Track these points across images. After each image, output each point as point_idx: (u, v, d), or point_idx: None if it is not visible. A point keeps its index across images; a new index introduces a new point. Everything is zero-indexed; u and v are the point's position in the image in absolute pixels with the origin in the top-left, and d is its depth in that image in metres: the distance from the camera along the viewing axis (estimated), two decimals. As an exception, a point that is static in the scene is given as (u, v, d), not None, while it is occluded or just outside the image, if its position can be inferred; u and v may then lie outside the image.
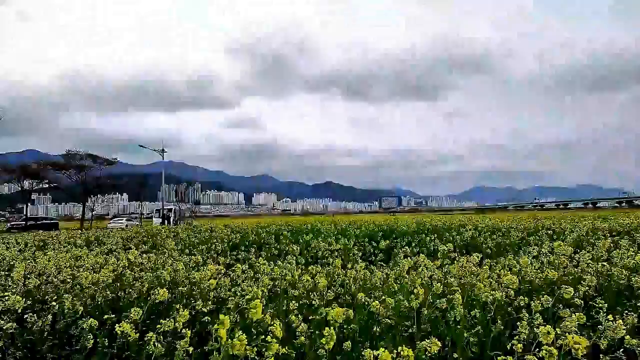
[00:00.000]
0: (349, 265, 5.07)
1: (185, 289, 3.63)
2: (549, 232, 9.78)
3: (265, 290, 3.41)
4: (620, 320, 2.24)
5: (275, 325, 1.79)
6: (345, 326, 2.78)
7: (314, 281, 3.76)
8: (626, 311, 2.84)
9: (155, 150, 56.39)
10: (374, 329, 2.68)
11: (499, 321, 2.80)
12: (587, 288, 3.39)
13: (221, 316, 2.02)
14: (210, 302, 3.22)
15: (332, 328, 1.95)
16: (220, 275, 4.33)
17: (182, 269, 4.38)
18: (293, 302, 3.19)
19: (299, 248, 6.55)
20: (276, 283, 4.12)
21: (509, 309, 3.10)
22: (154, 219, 50.85)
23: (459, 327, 2.65)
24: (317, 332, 2.26)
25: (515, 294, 3.30)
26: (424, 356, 1.97)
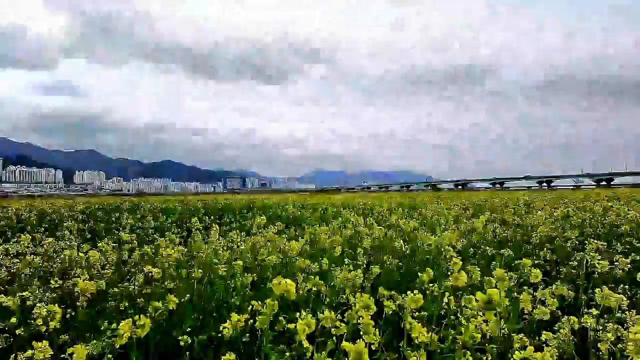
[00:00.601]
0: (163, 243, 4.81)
1: None
2: (359, 209, 11.04)
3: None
4: (360, 271, 2.51)
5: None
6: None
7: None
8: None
9: None
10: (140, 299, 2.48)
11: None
12: (365, 248, 3.87)
13: None
14: None
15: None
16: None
17: None
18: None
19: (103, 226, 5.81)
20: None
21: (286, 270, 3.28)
22: None
23: (235, 292, 2.64)
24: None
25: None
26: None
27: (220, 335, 2.03)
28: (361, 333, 1.97)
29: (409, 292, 1.65)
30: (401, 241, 4.04)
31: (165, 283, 2.72)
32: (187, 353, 2.30)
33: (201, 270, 2.81)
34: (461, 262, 2.24)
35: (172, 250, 2.71)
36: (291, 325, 1.93)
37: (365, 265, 3.60)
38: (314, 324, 1.90)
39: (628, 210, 5.79)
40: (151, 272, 2.72)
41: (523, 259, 2.41)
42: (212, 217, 9.23)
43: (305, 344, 1.82)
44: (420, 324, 1.71)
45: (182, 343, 2.28)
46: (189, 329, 2.53)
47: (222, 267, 2.73)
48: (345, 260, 3.17)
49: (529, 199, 12.16)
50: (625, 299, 2.09)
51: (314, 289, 2.36)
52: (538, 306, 2.37)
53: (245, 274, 2.70)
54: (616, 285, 2.90)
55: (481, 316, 1.64)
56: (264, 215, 9.83)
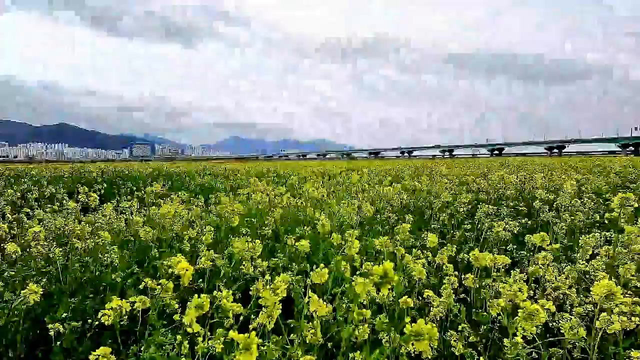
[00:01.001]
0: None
1: None
2: (273, 175, 10.94)
3: None
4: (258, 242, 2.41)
5: None
6: None
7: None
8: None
9: None
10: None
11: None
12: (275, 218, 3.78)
13: None
14: None
15: None
16: None
17: None
18: None
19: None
20: None
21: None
22: None
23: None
24: None
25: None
26: None
27: (96, 321, 1.76)
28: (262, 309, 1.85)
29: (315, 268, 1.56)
30: (312, 209, 3.99)
31: (31, 263, 2.31)
32: (58, 343, 1.99)
33: (77, 246, 2.42)
34: (356, 232, 2.20)
35: (39, 226, 2.29)
36: (174, 304, 1.73)
37: (274, 236, 3.48)
38: (207, 305, 1.70)
39: (515, 177, 6.41)
40: (15, 252, 2.28)
41: (402, 224, 2.45)
42: (108, 186, 8.42)
43: (197, 328, 1.58)
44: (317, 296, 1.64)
45: (51, 332, 1.96)
46: (64, 315, 2.20)
47: (90, 241, 2.37)
48: (243, 230, 2.99)
49: (431, 166, 13.06)
50: (508, 259, 2.24)
51: (210, 263, 2.16)
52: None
53: (124, 250, 2.40)
54: (505, 247, 3.14)
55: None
56: (170, 182, 9.20)
